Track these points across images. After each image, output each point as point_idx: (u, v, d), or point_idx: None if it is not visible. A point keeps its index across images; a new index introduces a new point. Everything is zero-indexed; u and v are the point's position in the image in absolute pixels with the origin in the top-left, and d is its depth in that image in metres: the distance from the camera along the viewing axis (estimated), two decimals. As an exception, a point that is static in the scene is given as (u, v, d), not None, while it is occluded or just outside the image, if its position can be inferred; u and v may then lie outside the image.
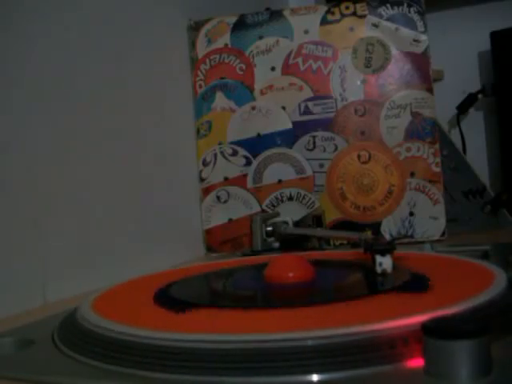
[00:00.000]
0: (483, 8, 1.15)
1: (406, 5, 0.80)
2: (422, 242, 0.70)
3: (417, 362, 0.28)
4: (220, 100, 0.83)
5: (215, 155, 0.83)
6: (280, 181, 0.82)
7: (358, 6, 0.81)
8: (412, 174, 0.79)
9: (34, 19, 0.56)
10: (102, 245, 0.62)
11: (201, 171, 0.83)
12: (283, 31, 0.83)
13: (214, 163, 0.83)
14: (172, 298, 0.43)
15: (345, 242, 0.78)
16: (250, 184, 0.82)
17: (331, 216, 0.81)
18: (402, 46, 0.80)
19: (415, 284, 0.42)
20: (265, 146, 0.82)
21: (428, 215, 0.79)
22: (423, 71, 0.80)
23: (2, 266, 0.50)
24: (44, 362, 0.35)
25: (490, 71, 1.12)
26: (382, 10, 0.80)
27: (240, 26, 0.83)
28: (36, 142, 0.55)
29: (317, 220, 0.79)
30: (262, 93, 0.83)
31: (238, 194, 0.83)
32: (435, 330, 0.26)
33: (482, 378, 0.25)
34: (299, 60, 0.82)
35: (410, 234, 0.79)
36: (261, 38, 0.83)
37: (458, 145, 0.97)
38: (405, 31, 0.80)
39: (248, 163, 0.83)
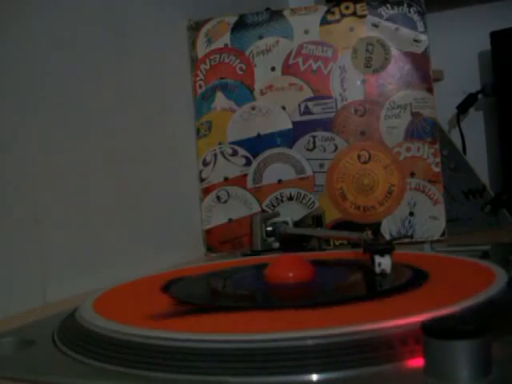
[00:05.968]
0: (483, 8, 1.15)
1: (405, 5, 0.80)
2: (422, 242, 0.70)
3: (417, 362, 0.28)
4: (220, 100, 0.83)
5: (215, 155, 0.83)
6: (280, 181, 0.82)
7: (358, 6, 0.81)
8: (412, 174, 0.79)
9: (34, 19, 0.56)
10: (101, 245, 0.62)
11: (201, 171, 0.83)
12: (283, 31, 0.83)
13: (214, 163, 0.83)
14: (172, 297, 0.44)
15: (345, 242, 0.77)
16: (249, 184, 0.82)
17: (331, 216, 0.81)
18: (402, 46, 0.80)
19: (415, 281, 0.42)
20: (265, 146, 0.82)
21: (428, 215, 0.79)
22: (423, 71, 0.80)
23: (1, 266, 0.50)
24: (44, 361, 0.35)
25: (490, 71, 1.12)
26: (382, 10, 0.80)
27: (240, 25, 0.83)
28: (36, 142, 0.55)
29: (317, 220, 0.79)
30: (262, 93, 0.83)
31: (238, 193, 0.82)
32: (435, 330, 0.26)
33: (482, 377, 0.25)
34: (299, 60, 0.82)
35: (409, 234, 0.79)
36: (261, 37, 0.83)
37: (458, 145, 0.97)
38: (405, 31, 0.80)
39: (248, 163, 0.83)
